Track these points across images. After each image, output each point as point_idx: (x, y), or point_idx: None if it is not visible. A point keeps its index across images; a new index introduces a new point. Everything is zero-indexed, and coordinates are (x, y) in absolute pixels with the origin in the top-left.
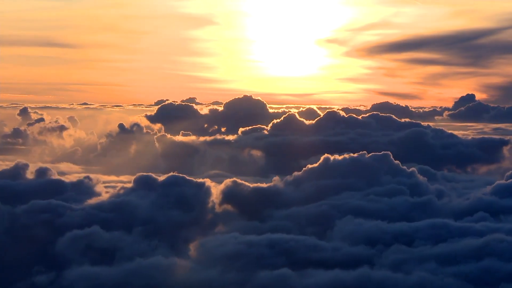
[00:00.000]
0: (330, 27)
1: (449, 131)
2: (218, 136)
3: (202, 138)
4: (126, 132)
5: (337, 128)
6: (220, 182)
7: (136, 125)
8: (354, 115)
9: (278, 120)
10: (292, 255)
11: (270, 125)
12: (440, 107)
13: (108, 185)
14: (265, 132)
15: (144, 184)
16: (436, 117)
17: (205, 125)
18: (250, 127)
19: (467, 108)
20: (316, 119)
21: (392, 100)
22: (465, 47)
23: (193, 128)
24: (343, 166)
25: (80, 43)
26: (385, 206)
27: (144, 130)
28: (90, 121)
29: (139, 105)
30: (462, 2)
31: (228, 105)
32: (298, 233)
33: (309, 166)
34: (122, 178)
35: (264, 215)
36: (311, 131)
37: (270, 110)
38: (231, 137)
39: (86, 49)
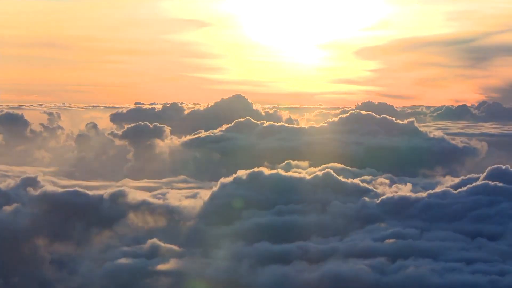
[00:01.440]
0: (331, 28)
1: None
2: (180, 138)
3: (171, 141)
4: (97, 135)
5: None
6: (181, 188)
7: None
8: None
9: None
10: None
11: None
12: (421, 107)
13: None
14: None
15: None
16: (412, 117)
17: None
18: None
19: (446, 109)
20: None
21: (392, 102)
22: (465, 49)
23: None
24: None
25: (82, 45)
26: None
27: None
28: (72, 121)
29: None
30: (462, 4)
31: (213, 106)
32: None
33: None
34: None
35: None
36: (270, 134)
37: (263, 110)
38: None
39: (88, 51)
